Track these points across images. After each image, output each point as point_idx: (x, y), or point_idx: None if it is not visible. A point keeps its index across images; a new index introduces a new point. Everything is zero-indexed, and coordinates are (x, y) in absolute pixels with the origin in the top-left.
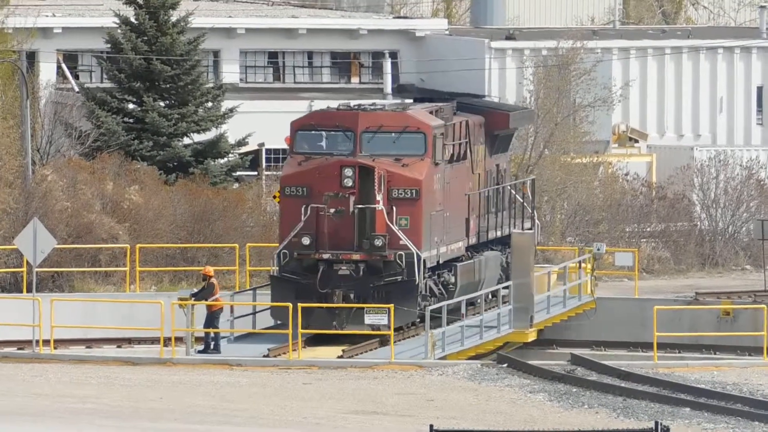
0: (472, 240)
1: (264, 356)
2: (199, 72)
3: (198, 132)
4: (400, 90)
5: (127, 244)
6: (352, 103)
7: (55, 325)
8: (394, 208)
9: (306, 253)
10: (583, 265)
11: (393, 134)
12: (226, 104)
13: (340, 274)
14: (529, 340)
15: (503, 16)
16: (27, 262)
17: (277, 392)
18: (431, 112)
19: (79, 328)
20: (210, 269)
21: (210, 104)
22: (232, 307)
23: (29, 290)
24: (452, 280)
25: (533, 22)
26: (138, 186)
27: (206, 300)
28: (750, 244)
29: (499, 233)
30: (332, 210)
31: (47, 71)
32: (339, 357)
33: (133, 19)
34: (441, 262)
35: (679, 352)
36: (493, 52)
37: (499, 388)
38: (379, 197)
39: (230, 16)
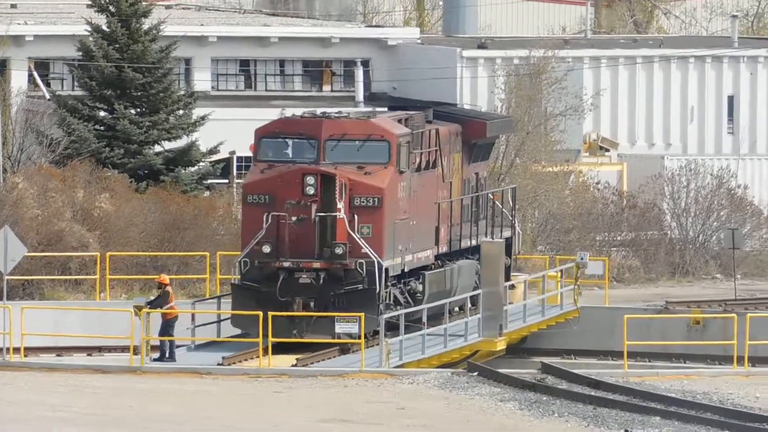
0: (443, 248)
1: (219, 364)
2: (171, 80)
3: (169, 140)
4: (372, 98)
5: (98, 252)
6: (318, 111)
7: (25, 333)
8: (356, 216)
9: (267, 261)
10: (565, 273)
11: (357, 142)
12: (197, 112)
13: (300, 282)
14: (498, 348)
15: (475, 25)
16: None
17: (248, 400)
18: (400, 121)
19: (50, 336)
20: (165, 277)
21: (181, 112)
22: (193, 315)
23: None
24: (420, 288)
25: (505, 31)
26: (109, 194)
27: (161, 308)
28: (720, 253)
29: (475, 242)
30: (294, 218)
31: (19, 79)
32: (293, 366)
33: (105, 27)
34: (406, 270)
35: (650, 361)
36: (465, 61)
37: (469, 397)
38: (340, 205)
39: (202, 24)
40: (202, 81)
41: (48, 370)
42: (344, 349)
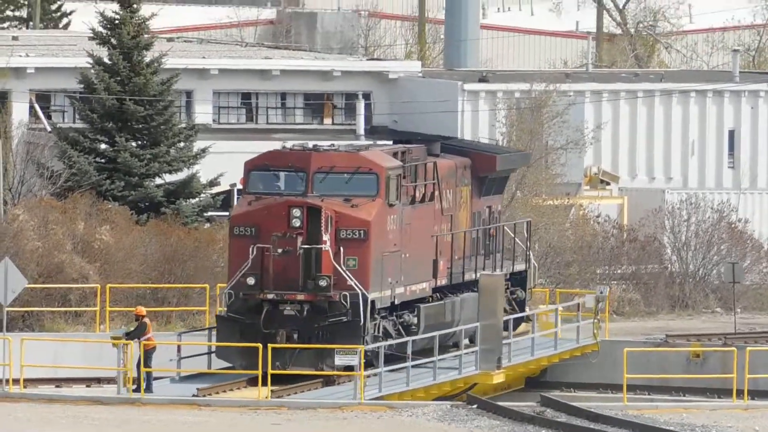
0: (442, 281)
1: (193, 395)
2: (172, 112)
3: (170, 172)
4: (373, 132)
5: (98, 284)
6: (311, 144)
7: (25, 364)
8: (342, 249)
9: (251, 293)
10: (571, 308)
11: (345, 175)
12: (198, 144)
13: (285, 314)
14: (495, 382)
15: (476, 59)
16: None
17: None
18: (396, 154)
19: (49, 367)
20: (142, 309)
21: (182, 144)
22: (179, 347)
23: None
24: (414, 321)
25: (506, 65)
26: (109, 226)
27: (139, 339)
28: (720, 287)
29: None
30: (280, 250)
31: (20, 111)
32: (266, 398)
33: (106, 60)
34: (397, 302)
35: (649, 394)
36: (466, 94)
37: (468, 430)
38: (326, 237)
39: (204, 57)
40: (203, 114)
41: (47, 401)
42: (329, 381)
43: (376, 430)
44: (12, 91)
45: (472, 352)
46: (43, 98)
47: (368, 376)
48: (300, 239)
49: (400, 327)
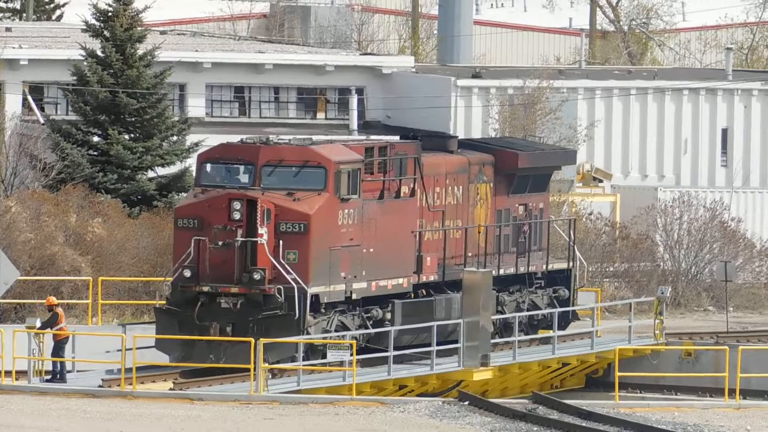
0: (429, 277)
1: (99, 386)
2: (165, 105)
3: (163, 166)
4: (365, 126)
5: (90, 277)
6: (273, 137)
7: (17, 356)
8: (282, 242)
9: (187, 285)
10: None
11: (294, 168)
12: (191, 138)
13: (222, 307)
14: (474, 379)
15: (470, 55)
16: None
17: (239, 427)
18: (367, 149)
19: (41, 360)
20: (53, 299)
21: (175, 138)
22: (123, 338)
23: None
24: (387, 317)
25: (499, 61)
26: (101, 218)
27: (51, 329)
28: (713, 286)
29: (510, 270)
30: (220, 243)
31: (13, 103)
32: (170, 389)
33: (99, 52)
34: (356, 297)
35: (641, 393)
36: (459, 90)
37: (460, 426)
38: (262, 231)
39: (197, 50)
40: (196, 107)
41: (40, 393)
42: (274, 374)
43: (368, 426)
44: (5, 82)
45: (450, 348)
46: (36, 90)
47: (310, 372)
48: (240, 232)
49: (368, 323)
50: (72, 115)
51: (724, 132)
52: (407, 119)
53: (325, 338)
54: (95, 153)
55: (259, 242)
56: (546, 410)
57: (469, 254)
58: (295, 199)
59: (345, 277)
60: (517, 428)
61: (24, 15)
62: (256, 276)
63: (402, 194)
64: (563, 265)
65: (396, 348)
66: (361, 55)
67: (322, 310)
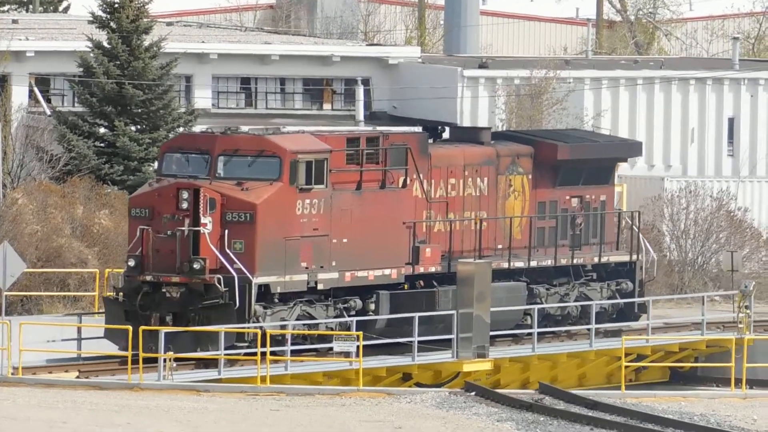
0: (429, 269)
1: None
2: (171, 97)
3: None
4: (372, 117)
5: (96, 269)
6: (244, 128)
7: (23, 349)
8: (228, 232)
9: (132, 275)
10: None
11: (249, 158)
12: (197, 129)
13: (166, 297)
14: (465, 370)
15: (476, 45)
16: None
17: (246, 418)
18: (352, 139)
19: (47, 352)
20: None
21: (182, 129)
22: (79, 328)
23: None
24: (371, 308)
25: (506, 51)
26: (108, 210)
27: None
28: (719, 276)
29: (547, 263)
30: (169, 232)
31: (19, 95)
32: (77, 377)
33: (105, 44)
34: (324, 288)
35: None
36: (466, 81)
37: (466, 416)
38: (205, 220)
39: (203, 42)
40: (202, 98)
41: (45, 386)
42: (207, 365)
43: (375, 416)
44: (12, 74)
45: (443, 339)
46: (42, 82)
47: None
48: (188, 221)
49: (345, 313)
50: (78, 107)
51: (731, 121)
52: (414, 110)
53: (243, 328)
54: (102, 144)
55: (201, 232)
56: (552, 400)
57: (499, 246)
58: (244, 189)
59: (307, 267)
60: (524, 418)
61: (30, 7)
62: (196, 266)
63: (391, 184)
64: (622, 258)
65: (392, 338)
66: (367, 45)
67: (276, 300)
